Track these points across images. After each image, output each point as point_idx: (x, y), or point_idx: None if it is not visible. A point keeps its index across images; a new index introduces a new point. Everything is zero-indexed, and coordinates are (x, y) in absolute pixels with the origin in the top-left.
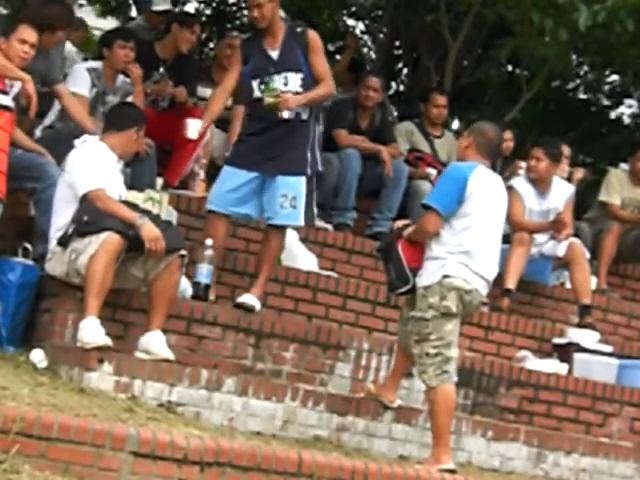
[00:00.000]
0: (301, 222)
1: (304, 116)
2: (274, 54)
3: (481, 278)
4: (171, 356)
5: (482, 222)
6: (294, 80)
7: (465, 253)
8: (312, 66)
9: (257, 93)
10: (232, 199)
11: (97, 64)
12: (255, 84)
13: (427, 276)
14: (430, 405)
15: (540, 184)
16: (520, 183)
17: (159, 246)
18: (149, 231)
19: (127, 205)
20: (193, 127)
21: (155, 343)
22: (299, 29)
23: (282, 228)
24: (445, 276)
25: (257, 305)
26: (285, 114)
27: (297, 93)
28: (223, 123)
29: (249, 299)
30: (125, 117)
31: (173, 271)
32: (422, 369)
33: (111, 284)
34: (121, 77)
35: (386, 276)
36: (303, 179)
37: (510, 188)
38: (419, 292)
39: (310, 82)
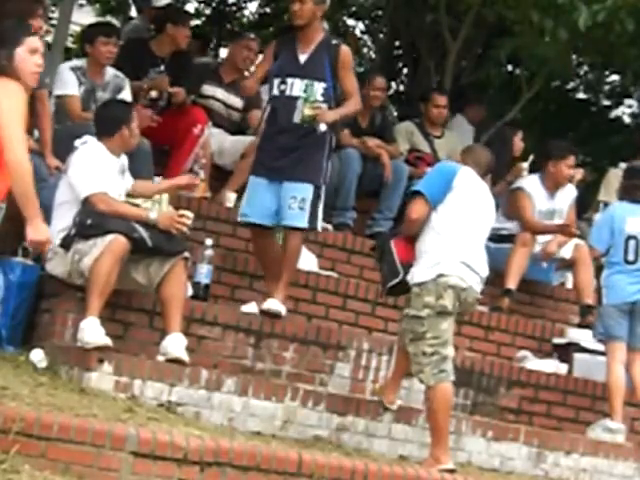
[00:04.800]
0: (305, 224)
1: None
2: (302, 58)
3: (475, 273)
4: (187, 359)
5: (468, 217)
6: (316, 89)
7: (458, 245)
8: (340, 81)
9: (275, 92)
10: (270, 210)
11: (81, 62)
12: (276, 82)
13: (420, 272)
14: (428, 404)
15: (551, 186)
16: (531, 183)
17: (183, 224)
18: (166, 220)
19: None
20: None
21: (174, 345)
22: (334, 41)
23: (297, 229)
24: (440, 275)
25: (282, 310)
26: (322, 127)
27: (315, 101)
28: (231, 126)
29: (273, 304)
30: (111, 121)
31: (179, 273)
32: (419, 368)
33: (114, 285)
34: (111, 71)
35: (380, 276)
36: (312, 186)
37: (518, 189)
38: (413, 290)
39: (333, 94)
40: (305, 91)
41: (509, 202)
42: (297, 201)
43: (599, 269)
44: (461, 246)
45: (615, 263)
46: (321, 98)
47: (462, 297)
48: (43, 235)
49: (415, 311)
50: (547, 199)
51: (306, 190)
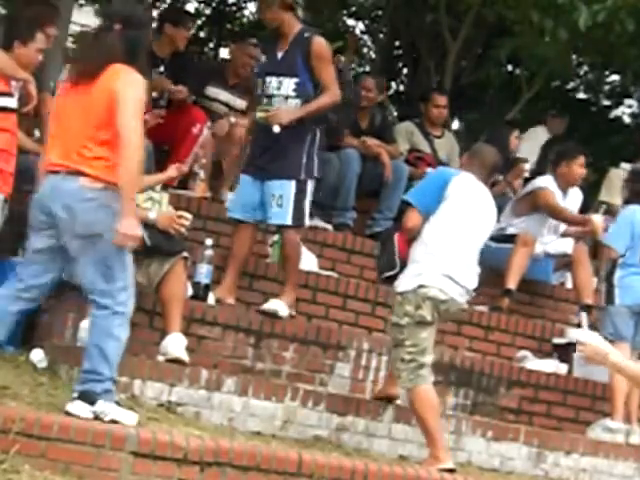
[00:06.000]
0: (288, 221)
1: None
2: (279, 55)
3: (459, 286)
4: (186, 359)
5: (460, 227)
6: (287, 85)
7: (444, 257)
8: (315, 73)
9: (258, 91)
10: (251, 205)
11: None
12: (259, 82)
13: (405, 281)
14: (410, 407)
15: (564, 186)
16: (549, 184)
17: (182, 224)
18: (165, 220)
19: None
20: None
21: (173, 345)
22: (307, 34)
23: (289, 228)
24: (420, 286)
25: (281, 310)
26: (276, 128)
27: (287, 97)
28: None
29: (273, 304)
30: None
31: (179, 273)
32: (397, 373)
33: None
34: None
35: (376, 260)
36: (293, 181)
37: (541, 189)
38: (396, 298)
39: (309, 88)
40: (278, 88)
41: (523, 202)
42: (275, 199)
43: (612, 270)
44: (446, 258)
45: (631, 265)
46: (293, 94)
47: (442, 309)
48: (132, 230)
49: (397, 318)
50: (562, 199)
51: (285, 187)
